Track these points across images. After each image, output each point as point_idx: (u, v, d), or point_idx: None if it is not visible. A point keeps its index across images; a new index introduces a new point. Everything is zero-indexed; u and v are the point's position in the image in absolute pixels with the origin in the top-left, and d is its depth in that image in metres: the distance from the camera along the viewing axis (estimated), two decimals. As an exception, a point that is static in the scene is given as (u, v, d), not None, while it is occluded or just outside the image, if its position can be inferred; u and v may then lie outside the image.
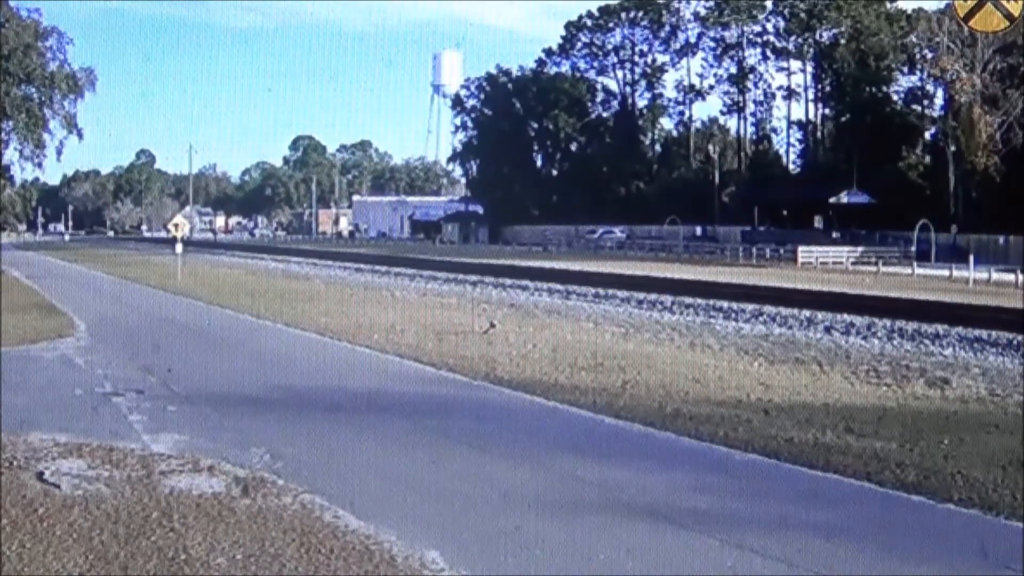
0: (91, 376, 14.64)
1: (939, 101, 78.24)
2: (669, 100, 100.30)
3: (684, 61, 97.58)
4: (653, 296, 30.81)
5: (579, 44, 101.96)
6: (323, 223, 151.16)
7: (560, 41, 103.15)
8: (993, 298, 30.64)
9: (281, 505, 8.05)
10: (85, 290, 35.49)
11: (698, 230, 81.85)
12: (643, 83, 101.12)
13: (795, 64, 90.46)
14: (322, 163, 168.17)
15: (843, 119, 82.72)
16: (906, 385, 14.31)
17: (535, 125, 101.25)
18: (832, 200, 75.15)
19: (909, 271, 48.33)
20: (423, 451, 10.08)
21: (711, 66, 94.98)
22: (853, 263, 56.57)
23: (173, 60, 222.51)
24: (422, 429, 11.18)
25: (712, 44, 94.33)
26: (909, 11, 77.68)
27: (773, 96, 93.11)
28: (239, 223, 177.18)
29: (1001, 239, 58.57)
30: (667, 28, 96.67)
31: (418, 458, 9.81)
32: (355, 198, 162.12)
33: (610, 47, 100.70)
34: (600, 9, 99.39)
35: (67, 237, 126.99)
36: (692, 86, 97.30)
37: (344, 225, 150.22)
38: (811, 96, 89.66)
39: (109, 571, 6.56)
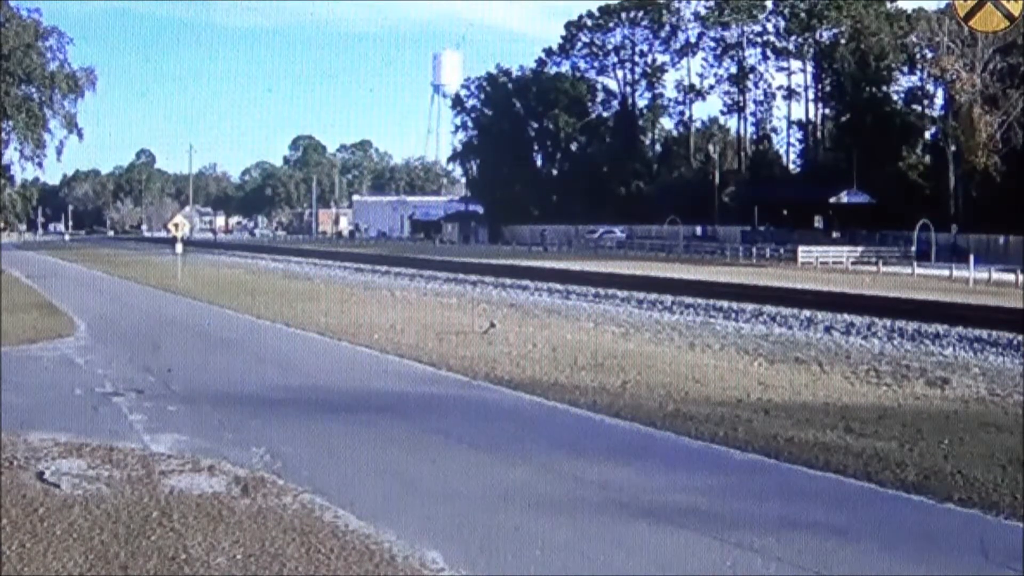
0: (91, 376, 14.64)
1: (939, 101, 78.35)
2: (669, 100, 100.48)
3: (684, 61, 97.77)
4: (653, 296, 30.82)
5: (579, 44, 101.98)
6: (323, 223, 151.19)
7: (560, 41, 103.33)
8: (993, 298, 30.64)
9: (281, 505, 8.05)
10: (85, 290, 35.46)
11: (698, 230, 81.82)
12: (643, 83, 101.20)
13: (795, 64, 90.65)
14: (322, 163, 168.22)
15: (843, 119, 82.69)
16: (906, 385, 14.31)
17: (535, 125, 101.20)
18: (832, 200, 75.16)
19: (909, 271, 48.32)
20: (423, 451, 10.08)
21: (711, 66, 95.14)
22: (853, 263, 56.57)
23: (173, 60, 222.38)
24: (422, 429, 11.18)
25: (712, 44, 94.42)
26: (909, 11, 77.77)
27: (773, 96, 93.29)
28: (239, 223, 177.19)
29: (1001, 239, 58.55)
30: (667, 28, 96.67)
31: (418, 458, 9.82)
32: (355, 198, 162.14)
33: (610, 47, 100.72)
34: (600, 9, 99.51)
35: (67, 237, 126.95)
36: (692, 86, 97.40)
37: (344, 225, 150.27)
38: (811, 96, 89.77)
39: (109, 571, 6.56)
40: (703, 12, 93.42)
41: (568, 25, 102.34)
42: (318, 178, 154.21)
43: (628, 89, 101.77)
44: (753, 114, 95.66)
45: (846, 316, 24.57)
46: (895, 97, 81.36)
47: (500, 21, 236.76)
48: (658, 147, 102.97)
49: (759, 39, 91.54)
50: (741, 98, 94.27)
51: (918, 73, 78.47)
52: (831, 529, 7.47)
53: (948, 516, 7.90)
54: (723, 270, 48.42)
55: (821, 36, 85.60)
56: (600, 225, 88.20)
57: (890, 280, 42.24)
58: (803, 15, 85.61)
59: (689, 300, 29.31)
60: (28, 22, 46.85)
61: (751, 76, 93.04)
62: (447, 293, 33.75)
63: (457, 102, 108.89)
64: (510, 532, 7.44)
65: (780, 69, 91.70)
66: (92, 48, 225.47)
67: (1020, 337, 19.97)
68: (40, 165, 49.84)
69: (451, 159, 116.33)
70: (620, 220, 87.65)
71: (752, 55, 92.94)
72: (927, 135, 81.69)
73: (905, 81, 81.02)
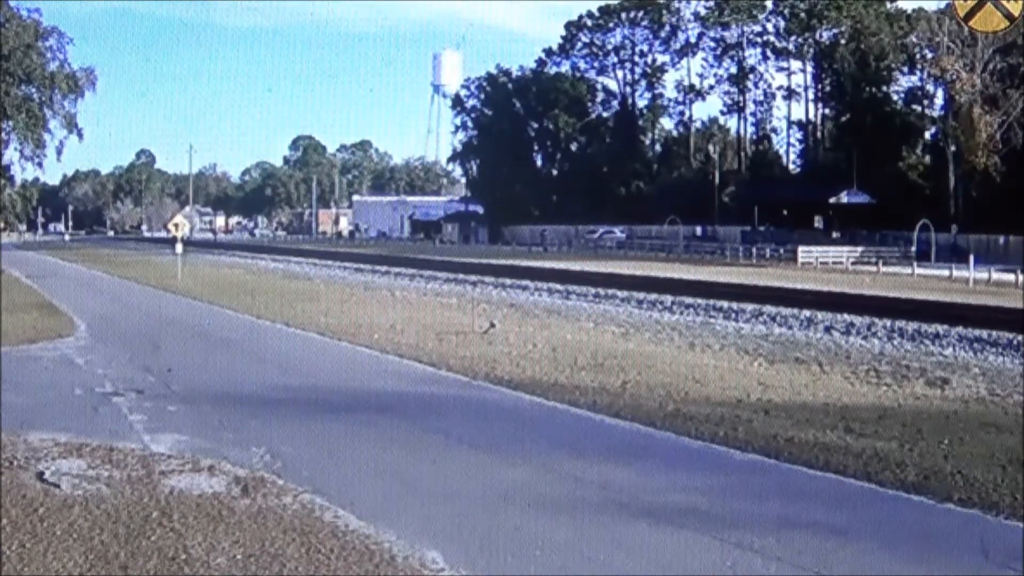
0: (91, 376, 14.64)
1: (939, 101, 78.37)
2: (669, 100, 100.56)
3: (684, 61, 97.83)
4: (653, 296, 30.81)
5: (579, 44, 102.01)
6: (323, 223, 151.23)
7: (560, 41, 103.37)
8: (993, 298, 30.64)
9: (281, 505, 8.05)
10: (85, 290, 35.47)
11: (698, 230, 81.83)
12: (643, 83, 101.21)
13: (795, 64, 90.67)
14: (322, 163, 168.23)
15: (843, 119, 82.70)
16: (906, 385, 14.31)
17: (535, 125, 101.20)
18: (832, 200, 75.17)
19: (909, 271, 48.32)
20: (423, 451, 10.08)
21: (711, 66, 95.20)
22: (853, 263, 56.57)
23: (173, 60, 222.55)
24: (422, 429, 11.18)
25: (712, 44, 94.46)
26: (909, 11, 77.79)
27: (773, 96, 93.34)
28: (239, 223, 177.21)
29: (1001, 239, 58.54)
30: (667, 28, 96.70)
31: (418, 458, 9.81)
32: (355, 198, 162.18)
33: (610, 47, 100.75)
34: (600, 9, 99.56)
35: (67, 237, 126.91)
36: (692, 86, 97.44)
37: (344, 225, 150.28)
38: (811, 96, 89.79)
39: (109, 571, 6.56)
40: (703, 12, 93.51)
41: (568, 25, 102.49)
42: (318, 178, 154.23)
43: (628, 89, 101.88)
44: (753, 114, 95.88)
45: (846, 316, 24.57)
46: (895, 97, 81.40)
47: (500, 21, 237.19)
48: (658, 147, 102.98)
49: (759, 39, 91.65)
50: (741, 98, 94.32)
51: (918, 73, 78.49)
52: (831, 529, 7.47)
53: (948, 516, 7.90)
54: (723, 270, 48.41)
55: (821, 36, 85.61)
56: (600, 225, 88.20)
57: (890, 280, 42.23)
58: (803, 15, 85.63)
59: (689, 300, 29.31)
60: (28, 22, 46.85)
61: (751, 76, 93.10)
62: (447, 293, 33.75)
63: (457, 102, 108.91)
64: (510, 532, 7.44)
65: (780, 69, 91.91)
66: (92, 48, 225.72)
67: (1020, 337, 19.97)
68: (40, 165, 49.85)
69: (451, 159, 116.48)
70: (620, 220, 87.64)
71: (752, 55, 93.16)
72: (927, 135, 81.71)
73: (905, 81, 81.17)
